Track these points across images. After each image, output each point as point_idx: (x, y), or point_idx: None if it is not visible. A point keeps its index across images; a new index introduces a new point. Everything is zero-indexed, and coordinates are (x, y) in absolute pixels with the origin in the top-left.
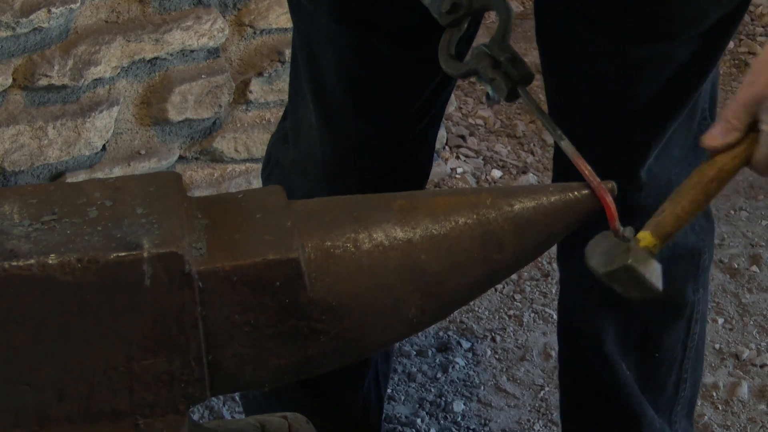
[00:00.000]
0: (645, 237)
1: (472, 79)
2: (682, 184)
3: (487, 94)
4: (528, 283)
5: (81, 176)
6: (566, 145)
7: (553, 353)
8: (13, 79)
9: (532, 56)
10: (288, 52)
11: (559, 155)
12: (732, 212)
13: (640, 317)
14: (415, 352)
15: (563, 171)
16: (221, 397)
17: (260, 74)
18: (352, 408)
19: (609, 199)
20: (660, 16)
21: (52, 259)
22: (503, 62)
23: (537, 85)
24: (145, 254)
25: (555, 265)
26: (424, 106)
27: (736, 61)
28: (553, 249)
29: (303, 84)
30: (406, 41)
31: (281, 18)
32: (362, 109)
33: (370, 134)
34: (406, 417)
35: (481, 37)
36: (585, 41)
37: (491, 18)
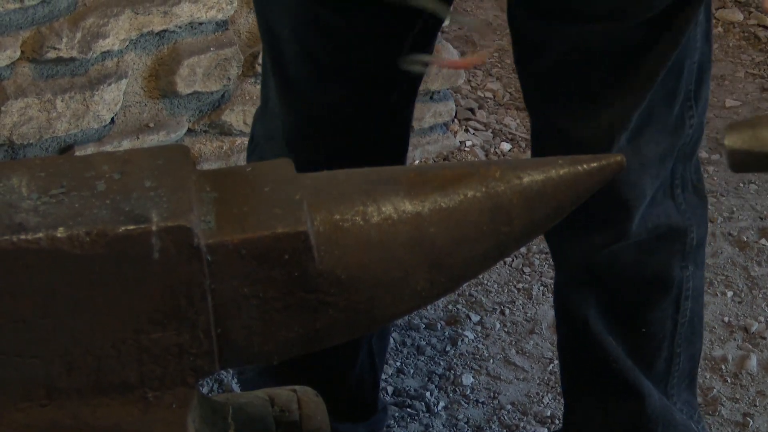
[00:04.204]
0: None
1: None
2: None
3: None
4: (537, 256)
5: (89, 149)
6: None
7: None
8: (22, 52)
9: None
10: None
11: (536, 133)
12: (741, 185)
13: (623, 294)
14: (424, 326)
15: (540, 147)
16: (230, 371)
17: None
18: (345, 387)
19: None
20: None
21: (60, 233)
22: None
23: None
24: (154, 227)
25: None
26: (387, 77)
27: (746, 34)
28: None
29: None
30: (351, 9)
31: None
32: (318, 79)
33: (329, 105)
34: (415, 390)
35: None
36: (540, 30)
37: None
